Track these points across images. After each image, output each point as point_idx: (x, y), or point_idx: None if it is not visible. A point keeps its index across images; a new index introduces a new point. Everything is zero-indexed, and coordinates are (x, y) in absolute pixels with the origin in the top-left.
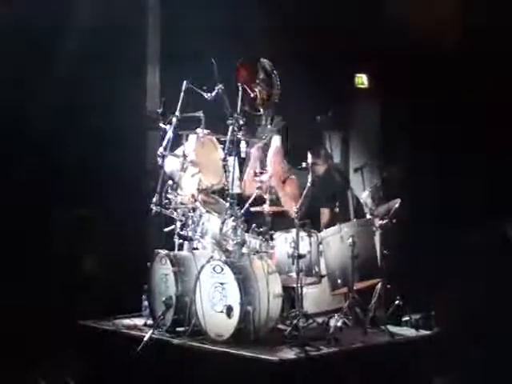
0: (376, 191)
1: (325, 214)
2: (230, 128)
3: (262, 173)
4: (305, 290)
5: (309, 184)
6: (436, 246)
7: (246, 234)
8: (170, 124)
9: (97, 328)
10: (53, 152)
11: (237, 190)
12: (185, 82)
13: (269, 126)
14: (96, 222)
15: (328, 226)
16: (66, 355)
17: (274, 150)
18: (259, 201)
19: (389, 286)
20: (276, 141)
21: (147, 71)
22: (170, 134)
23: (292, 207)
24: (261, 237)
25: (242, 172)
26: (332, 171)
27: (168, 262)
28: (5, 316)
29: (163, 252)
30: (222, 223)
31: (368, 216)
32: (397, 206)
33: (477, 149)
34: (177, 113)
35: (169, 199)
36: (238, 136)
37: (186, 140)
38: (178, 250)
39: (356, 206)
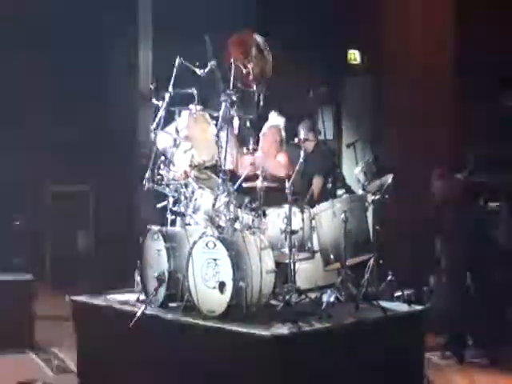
0: (368, 167)
1: (317, 181)
2: (223, 104)
3: (255, 149)
4: (297, 265)
5: (301, 160)
6: (429, 222)
7: (239, 210)
8: (163, 100)
9: (89, 303)
10: (48, 129)
11: (229, 166)
12: (177, 59)
13: (261, 103)
14: (89, 198)
15: (320, 194)
16: (59, 331)
17: (268, 127)
18: (252, 177)
19: (381, 262)
20: (272, 117)
21: (140, 47)
22: (162, 111)
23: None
24: (253, 212)
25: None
26: (321, 147)
27: (160, 237)
28: None
29: (156, 228)
30: (215, 199)
31: (360, 191)
32: (389, 181)
33: (470, 124)
34: (169, 89)
35: (161, 175)
36: (231, 112)
37: (179, 116)
38: (171, 225)
39: (343, 182)
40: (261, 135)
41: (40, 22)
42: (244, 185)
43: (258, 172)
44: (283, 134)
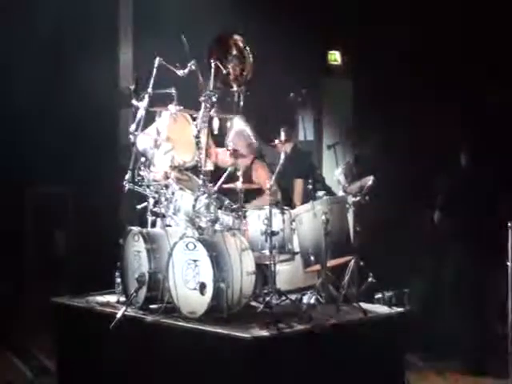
0: (349, 168)
1: (298, 184)
2: (203, 105)
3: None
4: (278, 267)
5: (282, 161)
6: (409, 224)
7: (219, 211)
8: (143, 101)
9: (70, 305)
10: (27, 129)
11: (210, 167)
12: (157, 59)
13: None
14: (69, 199)
15: (301, 196)
16: (38, 332)
17: (234, 133)
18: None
19: (362, 263)
20: (237, 123)
21: (120, 48)
22: (142, 111)
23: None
24: (234, 214)
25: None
26: (298, 149)
27: (141, 238)
28: None
29: (136, 229)
30: (195, 200)
31: (341, 193)
32: (370, 183)
33: (450, 125)
34: (149, 89)
35: (142, 176)
36: (211, 113)
37: (159, 117)
38: (151, 227)
39: (323, 183)
40: (228, 143)
41: (20, 16)
42: (224, 186)
43: (239, 173)
44: (252, 140)
